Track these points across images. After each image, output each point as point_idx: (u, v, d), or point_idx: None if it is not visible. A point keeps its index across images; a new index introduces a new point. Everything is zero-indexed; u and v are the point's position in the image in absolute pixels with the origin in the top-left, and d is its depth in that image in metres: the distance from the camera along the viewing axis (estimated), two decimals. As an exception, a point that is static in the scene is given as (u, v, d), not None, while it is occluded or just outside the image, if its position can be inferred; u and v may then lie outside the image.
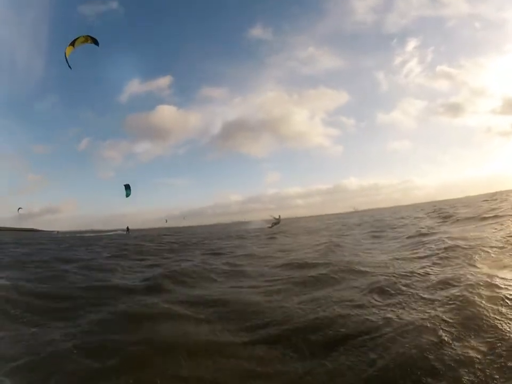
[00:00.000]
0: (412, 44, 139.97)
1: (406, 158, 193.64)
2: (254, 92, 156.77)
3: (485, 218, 13.54)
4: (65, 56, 13.94)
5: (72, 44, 13.97)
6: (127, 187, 25.69)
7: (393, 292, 4.49)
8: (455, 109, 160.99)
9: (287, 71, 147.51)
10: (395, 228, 16.34)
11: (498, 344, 2.70)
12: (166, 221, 61.53)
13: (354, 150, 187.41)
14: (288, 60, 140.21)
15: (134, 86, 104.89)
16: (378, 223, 22.19)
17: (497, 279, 4.25)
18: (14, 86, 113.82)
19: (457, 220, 15.26)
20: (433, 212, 26.54)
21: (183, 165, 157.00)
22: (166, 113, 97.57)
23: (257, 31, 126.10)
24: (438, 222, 16.09)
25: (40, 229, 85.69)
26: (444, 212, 22.50)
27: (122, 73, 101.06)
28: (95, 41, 14.30)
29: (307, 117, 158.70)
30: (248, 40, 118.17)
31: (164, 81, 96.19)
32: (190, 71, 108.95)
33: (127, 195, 25.42)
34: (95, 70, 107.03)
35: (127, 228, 46.94)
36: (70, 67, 14.03)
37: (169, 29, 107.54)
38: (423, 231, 12.36)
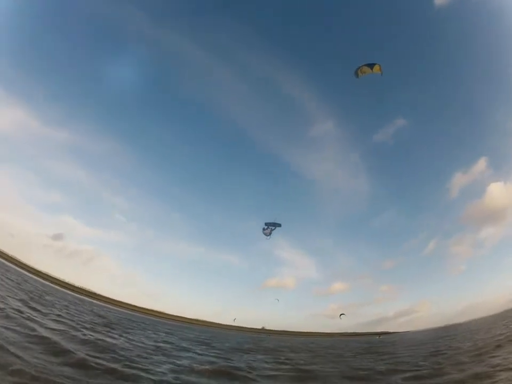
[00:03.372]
0: None
1: None
2: None
3: None
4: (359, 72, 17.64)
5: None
6: None
7: None
8: None
9: None
10: None
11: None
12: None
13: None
14: None
15: (459, 179, 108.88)
16: None
17: None
18: (344, 207, 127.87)
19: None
20: None
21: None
22: (495, 192, 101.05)
23: None
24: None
25: (393, 331, 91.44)
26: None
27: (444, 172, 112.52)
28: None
29: None
30: None
31: (481, 164, 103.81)
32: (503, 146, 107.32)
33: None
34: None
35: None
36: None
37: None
38: None
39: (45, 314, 13.35)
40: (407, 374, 9.58)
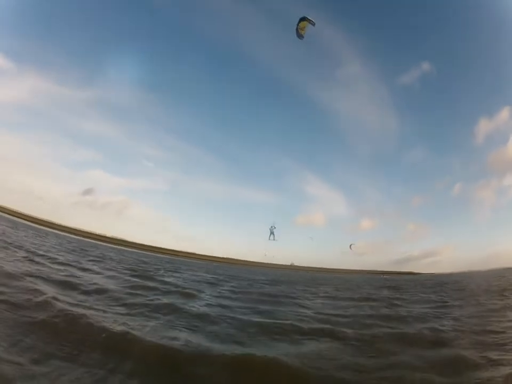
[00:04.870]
0: None
1: None
2: None
3: None
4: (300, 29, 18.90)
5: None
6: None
7: None
8: None
9: None
10: None
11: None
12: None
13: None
14: None
15: (484, 126, 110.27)
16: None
17: None
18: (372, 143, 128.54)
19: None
20: None
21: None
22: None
23: None
24: None
25: (418, 271, 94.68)
26: None
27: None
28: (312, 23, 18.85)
29: None
30: None
31: (504, 113, 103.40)
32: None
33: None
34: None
35: None
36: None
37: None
38: None
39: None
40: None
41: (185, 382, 3.61)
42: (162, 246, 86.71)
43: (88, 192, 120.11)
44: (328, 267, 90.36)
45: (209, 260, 77.10)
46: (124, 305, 6.70)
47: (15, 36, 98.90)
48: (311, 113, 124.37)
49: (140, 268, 17.11)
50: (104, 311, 5.78)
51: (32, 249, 13.67)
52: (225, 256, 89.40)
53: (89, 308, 5.81)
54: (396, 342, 5.47)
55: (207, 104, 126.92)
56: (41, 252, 13.63)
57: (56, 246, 20.15)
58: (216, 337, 5.21)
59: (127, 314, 5.97)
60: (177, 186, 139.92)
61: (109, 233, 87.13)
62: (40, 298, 5.50)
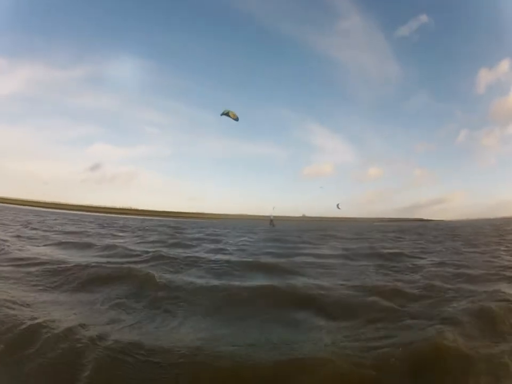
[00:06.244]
0: None
1: None
2: None
3: None
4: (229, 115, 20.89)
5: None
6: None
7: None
8: None
9: None
10: None
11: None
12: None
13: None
14: None
15: (484, 76, 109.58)
16: None
17: None
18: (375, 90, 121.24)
19: None
20: None
21: None
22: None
23: None
24: None
25: (428, 218, 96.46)
26: None
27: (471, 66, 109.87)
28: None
29: None
30: None
31: (504, 64, 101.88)
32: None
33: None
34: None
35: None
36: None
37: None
38: None
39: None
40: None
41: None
42: (178, 210, 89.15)
43: (95, 167, 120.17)
44: (339, 216, 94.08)
45: (222, 218, 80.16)
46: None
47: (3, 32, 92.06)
48: (311, 65, 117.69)
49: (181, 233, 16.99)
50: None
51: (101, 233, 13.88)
52: (238, 213, 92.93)
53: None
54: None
55: (203, 65, 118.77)
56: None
57: (103, 225, 20.72)
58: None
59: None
60: (183, 149, 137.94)
61: (122, 204, 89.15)
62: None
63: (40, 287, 4.28)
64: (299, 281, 4.84)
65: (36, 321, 2.83)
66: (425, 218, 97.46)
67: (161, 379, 2.16)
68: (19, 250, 7.02)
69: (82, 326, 2.79)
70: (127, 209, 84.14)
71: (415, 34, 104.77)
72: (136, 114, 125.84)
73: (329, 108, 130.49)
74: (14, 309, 3.17)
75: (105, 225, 21.08)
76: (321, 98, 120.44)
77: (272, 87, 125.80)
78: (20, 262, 5.66)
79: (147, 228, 20.81)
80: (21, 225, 15.02)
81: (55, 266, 5.21)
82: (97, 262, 5.66)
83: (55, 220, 23.37)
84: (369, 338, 2.77)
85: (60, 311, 3.32)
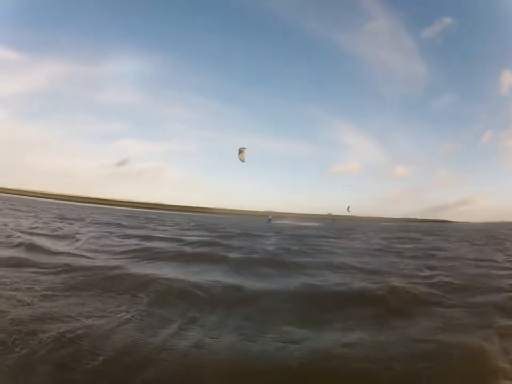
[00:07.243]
0: None
1: None
2: None
3: None
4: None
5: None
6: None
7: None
8: None
9: None
10: None
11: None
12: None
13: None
14: None
15: (507, 77, 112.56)
16: None
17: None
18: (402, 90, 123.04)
19: None
20: None
21: None
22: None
23: None
24: None
25: (452, 220, 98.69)
26: None
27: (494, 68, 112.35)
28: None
29: None
30: None
31: None
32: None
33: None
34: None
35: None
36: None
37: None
38: None
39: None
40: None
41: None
42: (207, 206, 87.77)
43: (122, 163, 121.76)
44: (364, 215, 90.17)
45: (251, 215, 77.61)
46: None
47: (25, 29, 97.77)
48: (339, 64, 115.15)
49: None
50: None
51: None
52: (266, 210, 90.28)
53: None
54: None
55: (230, 62, 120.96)
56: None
57: (139, 222, 18.91)
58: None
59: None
60: (209, 145, 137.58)
61: (150, 199, 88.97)
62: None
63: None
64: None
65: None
66: (450, 220, 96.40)
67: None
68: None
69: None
70: (157, 205, 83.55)
71: (439, 35, 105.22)
72: (163, 110, 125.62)
73: (356, 106, 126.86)
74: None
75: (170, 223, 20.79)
76: (349, 97, 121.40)
77: (300, 85, 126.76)
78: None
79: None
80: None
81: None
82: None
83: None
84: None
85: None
